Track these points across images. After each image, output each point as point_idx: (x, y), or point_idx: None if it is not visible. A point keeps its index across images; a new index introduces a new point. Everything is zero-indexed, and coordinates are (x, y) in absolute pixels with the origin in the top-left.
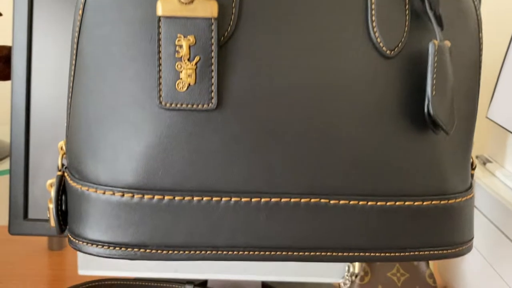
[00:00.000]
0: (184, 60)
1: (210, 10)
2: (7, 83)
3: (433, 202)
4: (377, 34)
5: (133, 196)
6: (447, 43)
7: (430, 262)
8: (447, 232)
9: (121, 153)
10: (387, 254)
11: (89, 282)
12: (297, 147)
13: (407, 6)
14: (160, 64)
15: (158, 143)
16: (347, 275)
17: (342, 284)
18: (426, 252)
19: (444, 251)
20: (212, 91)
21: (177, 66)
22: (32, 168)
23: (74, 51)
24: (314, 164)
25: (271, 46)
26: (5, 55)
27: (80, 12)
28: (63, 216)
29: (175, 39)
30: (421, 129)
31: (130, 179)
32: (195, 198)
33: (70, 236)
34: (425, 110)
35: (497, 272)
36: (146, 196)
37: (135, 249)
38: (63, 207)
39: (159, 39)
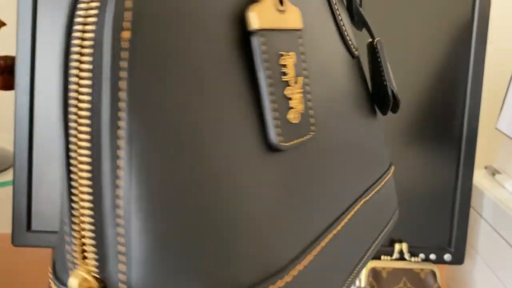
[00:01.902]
0: (291, 84)
1: (298, 19)
2: (11, 92)
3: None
4: (349, 38)
5: None
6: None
7: (438, 275)
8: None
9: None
10: None
11: None
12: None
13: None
14: (271, 93)
15: (279, 199)
16: None
17: None
18: None
19: None
20: (310, 115)
21: (287, 91)
22: (35, 180)
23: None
24: (349, 175)
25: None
26: (9, 65)
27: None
28: None
29: (279, 58)
30: (369, 117)
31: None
32: (321, 245)
33: None
34: (390, 95)
35: (506, 286)
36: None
37: None
38: None
39: (264, 60)
